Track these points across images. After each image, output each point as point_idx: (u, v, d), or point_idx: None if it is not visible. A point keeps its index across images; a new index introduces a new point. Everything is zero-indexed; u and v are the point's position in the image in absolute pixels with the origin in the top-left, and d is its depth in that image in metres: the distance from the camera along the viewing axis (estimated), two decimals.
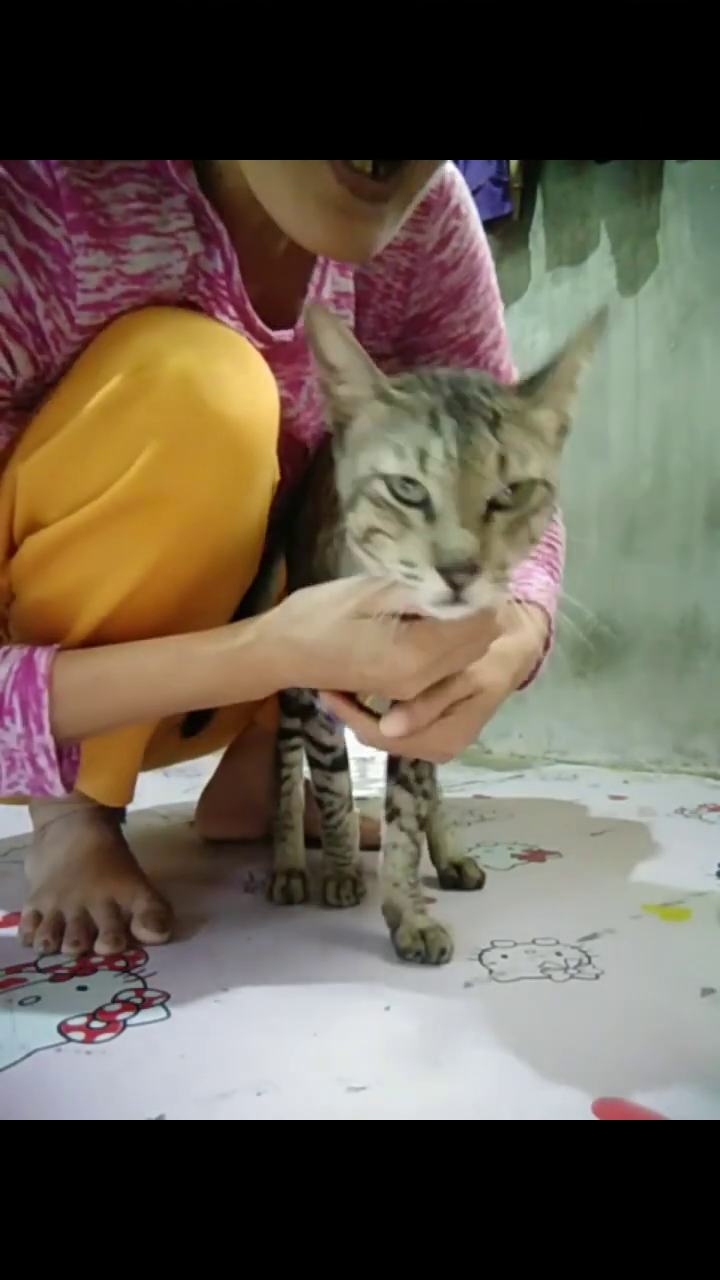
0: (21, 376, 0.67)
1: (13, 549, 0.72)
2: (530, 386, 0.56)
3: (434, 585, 0.51)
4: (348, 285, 0.80)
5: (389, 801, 0.76)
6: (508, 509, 0.53)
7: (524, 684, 0.87)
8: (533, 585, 0.84)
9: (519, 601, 0.80)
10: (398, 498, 0.52)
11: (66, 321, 0.66)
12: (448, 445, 0.51)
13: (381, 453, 0.53)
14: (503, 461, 0.52)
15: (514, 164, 1.69)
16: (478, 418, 0.52)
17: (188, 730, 0.95)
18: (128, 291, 0.67)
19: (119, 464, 0.65)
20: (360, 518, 0.55)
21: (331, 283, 0.79)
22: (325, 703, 0.69)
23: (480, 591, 0.51)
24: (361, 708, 0.68)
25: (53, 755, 0.65)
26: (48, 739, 0.64)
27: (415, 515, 0.52)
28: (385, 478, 0.52)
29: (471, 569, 0.50)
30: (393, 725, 0.64)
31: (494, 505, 0.52)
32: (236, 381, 0.67)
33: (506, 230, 1.76)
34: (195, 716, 0.94)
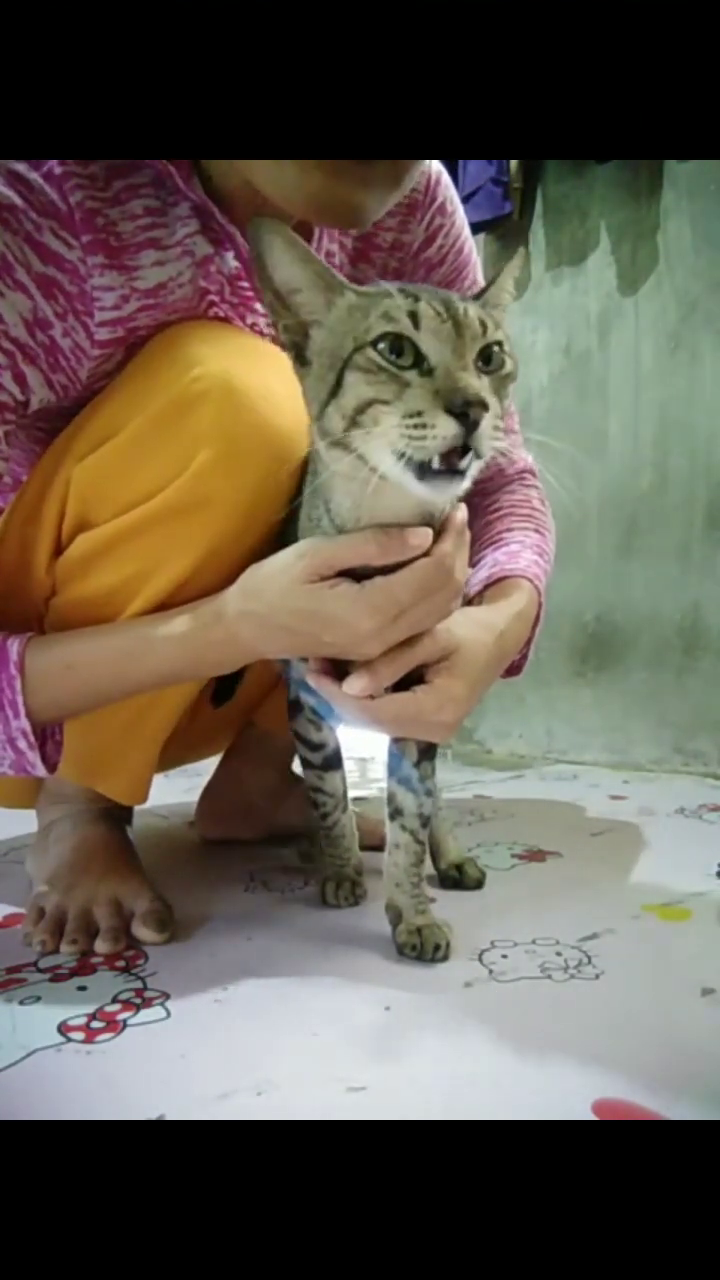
0: (35, 397, 0.69)
1: (59, 549, 0.74)
2: (478, 296, 0.60)
3: (447, 428, 0.51)
4: None
5: (390, 800, 0.76)
6: (489, 373, 0.54)
7: (519, 665, 0.87)
8: (520, 562, 0.85)
9: (506, 578, 0.83)
10: (391, 362, 0.53)
11: (86, 339, 0.68)
12: (435, 305, 0.53)
13: (368, 324, 0.53)
14: (482, 323, 0.54)
15: (514, 164, 1.69)
16: (450, 295, 0.55)
17: (218, 700, 0.95)
18: (143, 306, 0.69)
19: (173, 469, 0.67)
20: (348, 399, 0.54)
21: None
22: (310, 681, 0.69)
23: (484, 438, 0.51)
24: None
25: (32, 738, 0.67)
26: (24, 723, 0.66)
27: (412, 374, 0.53)
28: (378, 340, 0.53)
29: (482, 404, 0.50)
30: (354, 683, 0.64)
31: (480, 364, 0.54)
32: (281, 393, 0.68)
33: (506, 230, 1.76)
34: (223, 684, 0.93)
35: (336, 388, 0.55)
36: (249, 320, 0.75)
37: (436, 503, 0.60)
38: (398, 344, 0.52)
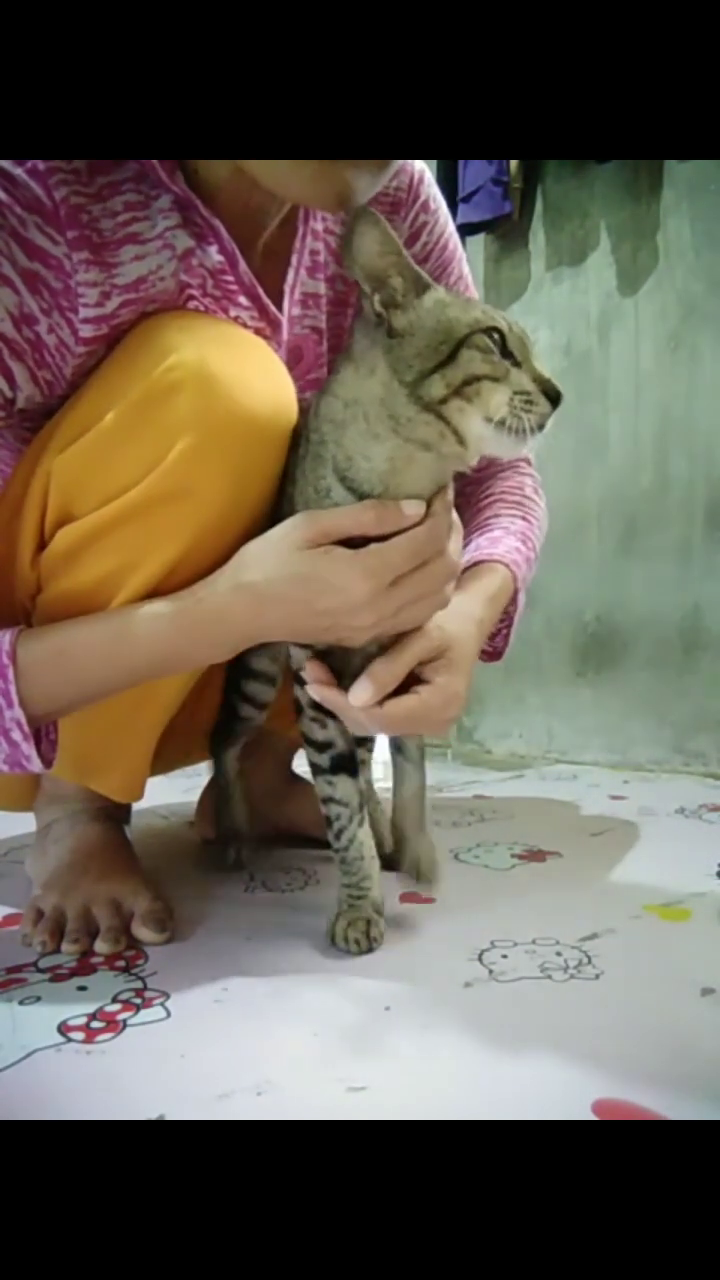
0: (22, 393, 0.69)
1: (42, 542, 0.73)
2: None
3: (543, 407, 0.62)
4: (317, 288, 0.81)
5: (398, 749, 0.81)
6: None
7: (500, 650, 0.89)
8: (499, 548, 0.87)
9: (482, 563, 0.85)
10: (497, 350, 0.62)
11: (70, 335, 0.67)
12: (509, 319, 0.64)
13: (476, 316, 0.62)
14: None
15: (514, 164, 1.69)
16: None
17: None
18: (125, 301, 0.69)
19: (152, 458, 0.67)
20: (458, 372, 0.61)
21: (304, 285, 0.80)
22: (315, 695, 0.71)
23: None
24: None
25: (26, 729, 0.66)
26: (19, 713, 0.65)
27: (506, 364, 0.62)
28: (490, 330, 0.62)
29: (561, 395, 0.63)
30: (359, 693, 0.67)
31: None
32: (261, 381, 0.69)
33: (506, 230, 1.76)
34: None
35: (449, 360, 0.61)
36: (232, 313, 0.74)
37: (502, 453, 0.67)
38: (501, 339, 0.62)
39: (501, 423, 0.61)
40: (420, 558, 0.65)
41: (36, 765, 0.68)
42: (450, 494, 0.68)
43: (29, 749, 0.67)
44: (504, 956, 0.72)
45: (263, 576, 0.65)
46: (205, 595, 0.67)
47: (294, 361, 0.82)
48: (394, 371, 0.62)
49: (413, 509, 0.64)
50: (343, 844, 0.75)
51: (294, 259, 0.79)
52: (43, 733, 0.70)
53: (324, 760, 0.76)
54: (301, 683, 0.74)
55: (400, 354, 0.62)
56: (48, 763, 0.70)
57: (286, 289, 0.78)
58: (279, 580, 0.65)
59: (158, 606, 0.68)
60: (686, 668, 1.58)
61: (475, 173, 1.68)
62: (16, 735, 0.66)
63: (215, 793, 1.02)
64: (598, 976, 0.68)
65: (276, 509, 0.73)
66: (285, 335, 0.79)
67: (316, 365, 0.84)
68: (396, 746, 0.82)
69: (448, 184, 1.72)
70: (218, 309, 0.74)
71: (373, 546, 0.64)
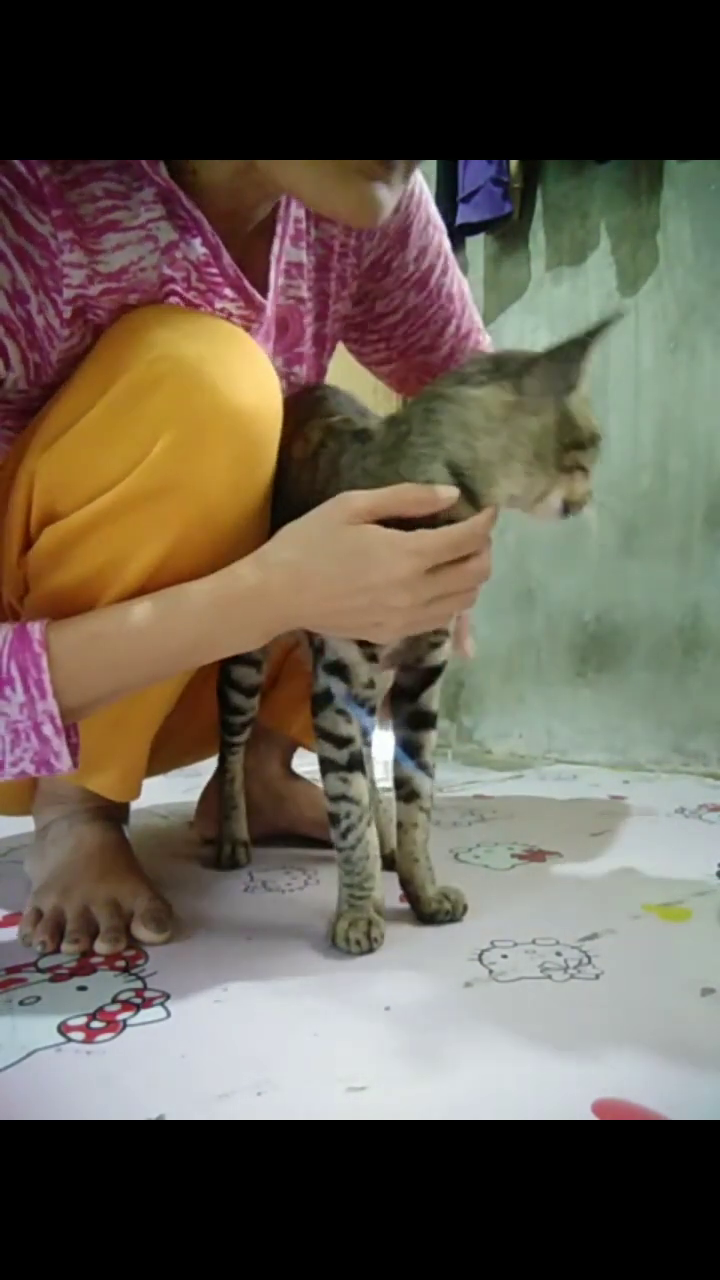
0: (13, 374, 0.68)
1: (28, 542, 0.73)
2: None
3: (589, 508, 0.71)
4: (299, 256, 0.82)
5: (405, 784, 0.80)
6: None
7: None
8: None
9: None
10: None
11: (55, 317, 0.67)
12: None
13: (596, 423, 0.70)
14: None
15: (514, 164, 1.69)
16: None
17: None
18: (106, 290, 0.68)
19: (135, 454, 0.66)
20: (585, 457, 0.69)
21: (287, 254, 0.81)
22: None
23: None
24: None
25: (58, 722, 0.64)
26: (51, 704, 0.63)
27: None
28: (597, 440, 0.70)
29: None
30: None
31: None
32: (245, 373, 0.69)
33: (506, 230, 1.76)
34: None
35: (582, 447, 0.69)
36: (217, 305, 0.74)
37: (541, 520, 0.72)
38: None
39: (569, 505, 0.69)
40: (460, 550, 0.67)
41: (66, 763, 0.66)
42: (497, 515, 0.70)
43: (60, 744, 0.64)
44: (504, 956, 0.72)
45: (305, 553, 0.65)
46: (244, 573, 0.66)
47: (280, 333, 0.82)
48: (560, 430, 0.67)
49: (446, 493, 0.67)
50: (349, 843, 0.75)
51: (278, 228, 0.79)
52: (67, 732, 0.66)
53: (342, 756, 0.75)
54: (333, 675, 0.74)
55: (567, 422, 0.68)
56: (75, 763, 0.67)
57: (273, 259, 0.78)
58: (323, 555, 0.65)
59: (195, 587, 0.67)
60: (686, 668, 1.58)
61: (475, 173, 1.67)
62: (48, 730, 0.64)
63: (218, 794, 1.03)
64: (598, 976, 0.68)
65: (277, 499, 0.73)
66: (270, 310, 0.79)
67: (302, 336, 0.84)
68: (419, 765, 0.80)
69: (448, 184, 1.71)
70: (202, 302, 0.73)
71: (419, 530, 0.66)
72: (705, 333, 1.53)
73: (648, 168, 1.56)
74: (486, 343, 1.03)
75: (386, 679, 0.81)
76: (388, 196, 0.67)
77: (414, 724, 0.81)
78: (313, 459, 0.76)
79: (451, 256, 0.96)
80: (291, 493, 0.75)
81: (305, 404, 0.81)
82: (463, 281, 0.99)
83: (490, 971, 0.70)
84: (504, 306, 1.78)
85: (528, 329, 1.72)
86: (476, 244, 1.80)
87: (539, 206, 1.73)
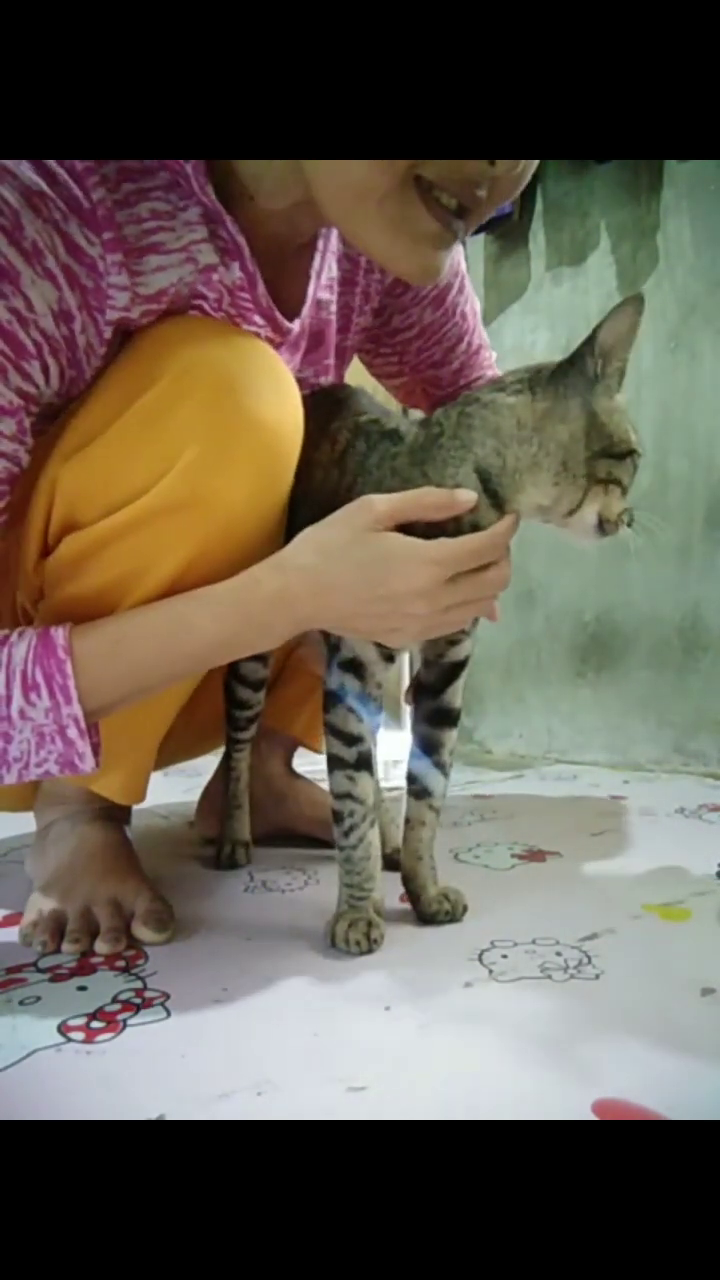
0: (51, 389, 0.68)
1: (46, 550, 0.73)
2: None
3: (626, 529, 0.72)
4: (336, 272, 0.84)
5: (416, 781, 0.81)
6: None
7: None
8: None
9: None
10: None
11: (96, 336, 0.67)
12: None
13: (635, 437, 0.71)
14: None
15: None
16: None
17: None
18: (146, 312, 0.69)
19: (160, 466, 0.67)
20: (621, 470, 0.70)
21: (328, 270, 0.83)
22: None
23: None
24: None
25: (83, 725, 0.64)
26: (76, 708, 0.64)
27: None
28: (636, 454, 0.71)
29: None
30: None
31: None
32: (270, 388, 0.69)
33: (506, 230, 1.76)
34: None
35: (618, 458, 0.69)
36: (244, 329, 0.75)
37: (578, 540, 0.74)
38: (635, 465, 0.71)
39: (604, 522, 0.70)
40: (480, 559, 0.67)
41: (90, 764, 0.66)
42: (518, 524, 0.70)
43: (84, 746, 0.65)
44: (504, 956, 0.72)
45: (325, 559, 0.66)
46: (264, 578, 0.67)
47: (313, 345, 0.84)
48: (588, 436, 0.67)
49: (465, 497, 0.67)
50: (351, 842, 0.75)
51: (319, 243, 0.81)
52: (88, 732, 0.67)
53: (350, 754, 0.75)
54: (347, 672, 0.74)
55: (596, 427, 0.68)
56: (98, 763, 0.68)
57: (313, 274, 0.81)
58: (342, 562, 0.65)
59: (217, 590, 0.67)
60: (686, 668, 1.58)
61: None
62: (73, 732, 0.64)
63: (221, 793, 1.03)
64: (598, 976, 0.68)
65: (292, 511, 0.74)
66: (305, 322, 0.80)
67: (329, 349, 0.86)
68: (435, 763, 0.81)
69: None
70: (232, 325, 0.74)
71: (440, 539, 0.66)
72: (705, 333, 1.53)
73: (648, 168, 1.56)
74: (493, 359, 1.04)
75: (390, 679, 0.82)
76: (446, 259, 0.70)
77: (435, 721, 0.81)
78: (340, 459, 0.76)
79: (466, 275, 0.97)
80: (317, 493, 0.75)
81: (329, 404, 0.81)
82: (474, 298, 1.00)
83: (490, 971, 0.70)
84: (504, 306, 1.78)
85: (528, 329, 1.72)
86: (476, 244, 1.80)
87: (539, 206, 1.73)
